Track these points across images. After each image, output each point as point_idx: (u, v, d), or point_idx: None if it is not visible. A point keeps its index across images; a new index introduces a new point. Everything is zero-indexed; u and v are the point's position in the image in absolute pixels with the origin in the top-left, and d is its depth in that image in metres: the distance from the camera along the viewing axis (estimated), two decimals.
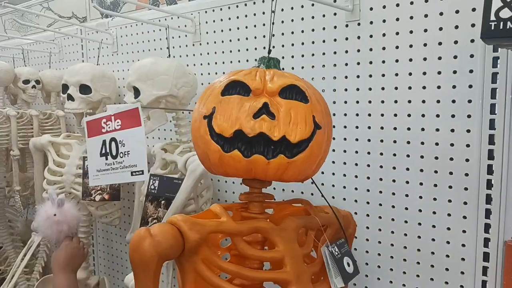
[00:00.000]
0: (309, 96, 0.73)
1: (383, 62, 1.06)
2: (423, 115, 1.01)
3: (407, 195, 1.05)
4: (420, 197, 1.03)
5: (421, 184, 1.03)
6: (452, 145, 0.98)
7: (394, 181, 1.07)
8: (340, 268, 0.81)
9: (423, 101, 1.01)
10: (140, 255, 0.65)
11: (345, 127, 1.14)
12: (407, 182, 1.05)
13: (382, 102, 1.07)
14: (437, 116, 0.99)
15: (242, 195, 0.80)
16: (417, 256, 1.05)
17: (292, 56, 1.21)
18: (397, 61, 1.04)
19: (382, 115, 1.07)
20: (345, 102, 1.13)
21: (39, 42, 2.06)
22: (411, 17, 1.01)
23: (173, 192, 1.22)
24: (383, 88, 1.07)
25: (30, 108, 1.90)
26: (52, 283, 1.71)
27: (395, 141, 1.06)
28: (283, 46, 1.23)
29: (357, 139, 1.12)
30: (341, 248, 0.84)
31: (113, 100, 1.63)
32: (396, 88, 1.05)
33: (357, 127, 1.12)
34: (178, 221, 0.68)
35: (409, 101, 1.03)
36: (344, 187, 1.15)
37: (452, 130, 0.97)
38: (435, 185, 1.01)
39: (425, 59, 1.00)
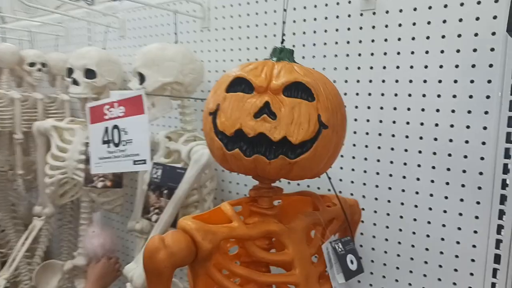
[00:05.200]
0: (315, 94, 0.69)
1: (398, 53, 1.02)
2: (437, 110, 0.97)
3: (417, 193, 1.02)
4: (431, 195, 1.00)
5: (432, 181, 0.99)
6: (467, 142, 0.94)
7: (404, 177, 1.03)
8: (342, 265, 0.78)
9: (439, 96, 0.97)
10: (154, 266, 0.65)
11: (355, 120, 1.10)
12: (418, 179, 1.01)
13: (396, 95, 1.03)
14: (453, 111, 0.95)
15: (252, 191, 0.78)
16: (425, 255, 1.02)
17: (303, 45, 1.17)
18: (412, 53, 1.00)
19: (395, 108, 1.03)
20: (357, 94, 1.09)
21: (46, 24, 2.02)
22: (430, 7, 0.96)
23: (176, 181, 1.19)
24: (397, 81, 1.02)
25: (35, 92, 1.88)
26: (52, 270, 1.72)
27: (407, 136, 1.02)
28: (294, 34, 1.19)
29: (367, 133, 1.08)
30: (345, 245, 0.82)
31: (118, 86, 1.60)
32: (410, 81, 1.00)
33: (368, 120, 1.08)
34: (191, 229, 0.67)
35: (424, 95, 0.99)
36: (352, 181, 1.12)
37: (468, 127, 0.93)
38: (447, 183, 0.97)
39: (442, 51, 0.95)
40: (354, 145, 1.11)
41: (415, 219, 1.02)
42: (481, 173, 0.92)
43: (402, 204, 1.04)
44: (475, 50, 0.92)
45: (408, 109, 1.01)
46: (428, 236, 1.01)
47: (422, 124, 1.00)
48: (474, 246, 0.95)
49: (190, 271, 0.70)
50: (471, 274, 0.95)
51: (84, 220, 1.63)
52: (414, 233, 1.03)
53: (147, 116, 0.93)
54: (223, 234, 0.69)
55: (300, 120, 0.67)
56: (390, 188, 1.06)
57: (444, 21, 0.95)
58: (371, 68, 1.06)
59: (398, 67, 1.02)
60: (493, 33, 0.89)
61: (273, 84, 0.69)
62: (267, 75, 0.71)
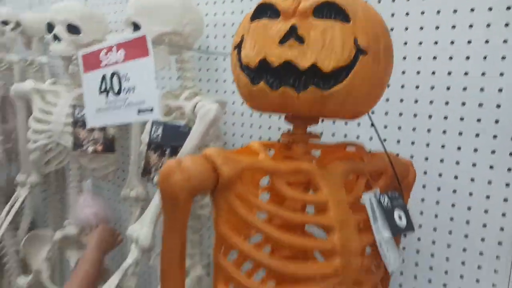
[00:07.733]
0: (351, 15, 0.61)
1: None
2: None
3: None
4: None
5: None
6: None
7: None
8: (389, 219, 0.68)
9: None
10: (170, 189, 0.58)
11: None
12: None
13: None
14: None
15: (284, 135, 0.71)
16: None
17: None
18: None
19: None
20: None
21: None
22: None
23: (178, 141, 1.10)
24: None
25: (9, 53, 1.73)
26: (40, 239, 1.61)
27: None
28: None
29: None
30: (393, 201, 0.71)
31: None
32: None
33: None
34: (211, 154, 0.61)
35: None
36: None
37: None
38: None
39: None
40: None
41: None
42: None
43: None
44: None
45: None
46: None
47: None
48: None
49: (212, 203, 0.64)
50: None
51: (73, 188, 1.53)
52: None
53: (152, 58, 0.83)
54: (246, 163, 0.63)
55: (333, 44, 0.59)
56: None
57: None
58: None
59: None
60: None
61: (301, 6, 0.61)
62: None
